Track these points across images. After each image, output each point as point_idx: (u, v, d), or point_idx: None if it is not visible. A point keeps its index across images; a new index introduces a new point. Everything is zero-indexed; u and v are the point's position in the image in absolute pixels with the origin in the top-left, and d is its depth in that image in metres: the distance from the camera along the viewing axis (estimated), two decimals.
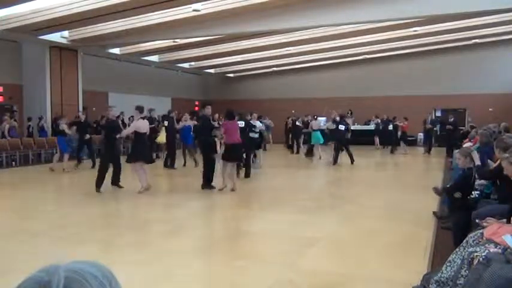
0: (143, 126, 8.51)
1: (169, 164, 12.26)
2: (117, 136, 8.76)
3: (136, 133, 8.52)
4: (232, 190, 8.47)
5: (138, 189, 8.33)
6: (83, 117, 12.78)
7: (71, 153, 12.08)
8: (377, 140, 19.94)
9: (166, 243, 5.23)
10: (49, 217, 6.53)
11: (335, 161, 13.28)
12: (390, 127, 19.11)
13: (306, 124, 17.06)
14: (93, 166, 11.96)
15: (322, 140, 14.94)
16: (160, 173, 11.40)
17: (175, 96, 23.26)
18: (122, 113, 19.09)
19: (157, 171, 11.38)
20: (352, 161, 13.31)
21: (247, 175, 10.48)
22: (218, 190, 8.51)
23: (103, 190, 8.44)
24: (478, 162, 4.74)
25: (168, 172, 11.75)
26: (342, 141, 13.53)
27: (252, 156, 11.36)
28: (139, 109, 8.71)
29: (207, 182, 8.74)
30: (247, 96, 24.90)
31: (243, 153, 9.34)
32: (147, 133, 8.85)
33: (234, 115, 8.91)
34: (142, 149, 8.55)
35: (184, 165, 12.69)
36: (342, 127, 13.52)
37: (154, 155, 11.66)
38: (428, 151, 17.27)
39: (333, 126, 13.71)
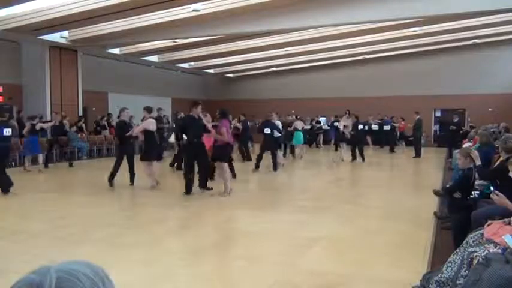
0: (152, 125, 9.08)
1: (177, 165, 11.88)
2: (127, 134, 8.96)
3: (146, 132, 8.95)
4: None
5: (151, 185, 8.79)
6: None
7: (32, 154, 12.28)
8: (369, 139, 19.86)
9: (166, 243, 5.23)
10: (49, 217, 6.52)
11: (357, 158, 14.35)
12: (387, 127, 19.06)
13: (288, 125, 15.40)
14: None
15: (302, 141, 15.30)
16: (165, 173, 11.32)
17: (175, 96, 23.27)
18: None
19: (162, 171, 11.32)
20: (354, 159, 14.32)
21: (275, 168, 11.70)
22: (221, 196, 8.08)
23: (106, 188, 8.67)
24: (478, 162, 4.74)
25: (176, 173, 11.48)
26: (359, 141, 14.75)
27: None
28: (148, 109, 9.25)
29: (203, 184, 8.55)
30: (247, 96, 24.92)
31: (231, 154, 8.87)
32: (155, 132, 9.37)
33: (227, 114, 8.82)
34: (154, 148, 9.18)
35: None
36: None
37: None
38: (415, 154, 15.74)
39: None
